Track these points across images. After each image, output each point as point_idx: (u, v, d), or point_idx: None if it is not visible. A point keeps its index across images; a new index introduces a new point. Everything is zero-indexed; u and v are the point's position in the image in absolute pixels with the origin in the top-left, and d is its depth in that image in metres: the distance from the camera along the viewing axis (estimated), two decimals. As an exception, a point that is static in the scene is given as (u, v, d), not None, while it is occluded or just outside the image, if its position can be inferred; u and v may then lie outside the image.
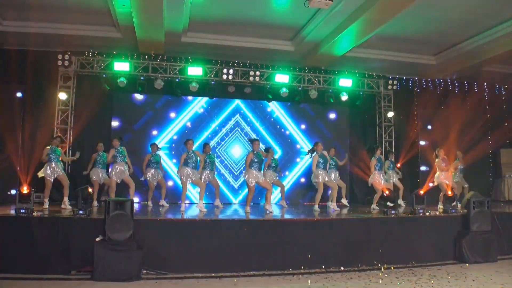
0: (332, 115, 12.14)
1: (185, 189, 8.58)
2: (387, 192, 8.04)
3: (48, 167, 8.11)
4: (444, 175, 9.03)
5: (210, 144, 9.70)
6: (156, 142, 9.71)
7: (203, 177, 8.91)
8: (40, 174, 8.16)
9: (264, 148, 8.86)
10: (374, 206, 9.20)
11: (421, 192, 7.86)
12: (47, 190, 8.07)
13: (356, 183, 11.70)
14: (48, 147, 8.29)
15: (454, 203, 8.20)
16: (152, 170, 9.19)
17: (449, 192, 8.24)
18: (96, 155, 8.90)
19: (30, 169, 8.07)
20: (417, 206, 7.63)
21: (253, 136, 11.18)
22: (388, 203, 8.04)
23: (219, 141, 11.34)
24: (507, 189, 12.03)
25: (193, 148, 8.71)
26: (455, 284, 5.78)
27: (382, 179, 9.24)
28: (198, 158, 8.63)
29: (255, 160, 7.98)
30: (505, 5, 8.34)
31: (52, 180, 8.16)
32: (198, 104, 11.30)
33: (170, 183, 10.72)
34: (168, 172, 10.75)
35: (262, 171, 8.29)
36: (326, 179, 8.99)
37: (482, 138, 12.11)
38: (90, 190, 7.88)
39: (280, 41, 10.49)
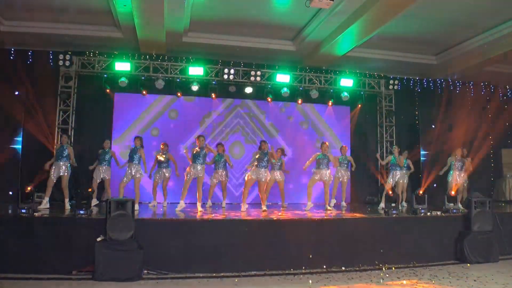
0: (333, 115, 12.12)
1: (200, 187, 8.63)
2: (390, 192, 8.04)
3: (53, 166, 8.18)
4: (456, 175, 9.05)
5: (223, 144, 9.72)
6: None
7: (215, 176, 9.01)
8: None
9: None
10: (382, 205, 9.19)
11: (421, 192, 7.86)
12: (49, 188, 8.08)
13: (357, 182, 11.68)
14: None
15: (454, 204, 8.19)
16: (164, 169, 9.18)
17: (453, 192, 8.23)
18: (101, 152, 8.92)
19: (33, 169, 8.09)
20: (418, 206, 7.63)
21: (253, 136, 11.26)
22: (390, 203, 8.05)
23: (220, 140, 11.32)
24: (508, 189, 12.01)
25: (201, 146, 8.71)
26: (457, 284, 5.78)
27: (393, 178, 9.46)
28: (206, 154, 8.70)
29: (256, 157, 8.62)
30: (505, 5, 8.32)
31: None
32: (199, 104, 11.28)
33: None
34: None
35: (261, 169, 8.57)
36: (318, 177, 9.01)
37: (483, 138, 12.10)
38: (90, 189, 7.91)
39: (281, 41, 10.48)
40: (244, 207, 8.49)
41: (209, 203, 9.30)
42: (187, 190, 8.47)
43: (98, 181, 8.90)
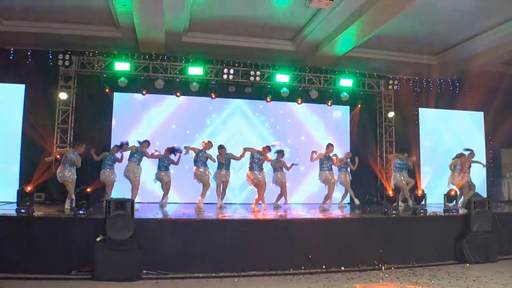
0: (333, 115, 12.12)
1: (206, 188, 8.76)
2: (390, 192, 8.03)
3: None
4: (459, 177, 9.10)
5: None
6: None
7: (219, 176, 9.06)
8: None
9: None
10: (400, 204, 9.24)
11: (419, 192, 7.84)
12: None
13: (357, 182, 11.63)
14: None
15: (454, 203, 8.17)
16: (163, 172, 9.13)
17: (452, 192, 8.22)
18: (106, 155, 8.89)
19: (32, 169, 8.08)
20: (417, 206, 7.63)
21: (253, 136, 11.28)
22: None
23: (220, 140, 11.29)
24: (508, 189, 12.02)
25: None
26: (456, 284, 5.77)
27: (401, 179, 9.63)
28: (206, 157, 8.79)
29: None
30: (505, 6, 8.33)
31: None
32: (199, 104, 11.27)
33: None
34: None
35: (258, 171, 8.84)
36: (322, 180, 9.21)
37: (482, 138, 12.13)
38: (88, 189, 7.88)
39: (281, 41, 10.50)
40: (262, 206, 8.75)
41: (219, 203, 9.21)
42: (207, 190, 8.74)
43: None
